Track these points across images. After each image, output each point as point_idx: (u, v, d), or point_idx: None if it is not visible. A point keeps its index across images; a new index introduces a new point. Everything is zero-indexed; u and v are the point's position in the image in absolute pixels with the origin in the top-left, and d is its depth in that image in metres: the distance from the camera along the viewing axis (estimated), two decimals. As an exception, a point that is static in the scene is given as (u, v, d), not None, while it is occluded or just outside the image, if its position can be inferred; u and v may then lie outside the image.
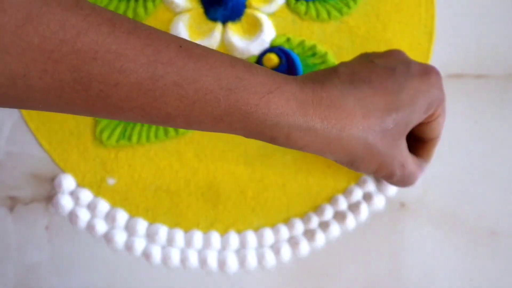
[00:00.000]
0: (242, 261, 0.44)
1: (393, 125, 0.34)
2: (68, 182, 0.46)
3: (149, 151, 0.47)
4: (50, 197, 0.46)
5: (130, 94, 0.27)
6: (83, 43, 0.26)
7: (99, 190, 0.46)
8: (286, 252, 0.44)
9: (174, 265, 0.44)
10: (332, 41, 0.48)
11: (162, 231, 0.45)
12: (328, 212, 0.45)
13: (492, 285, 0.42)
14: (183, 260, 0.44)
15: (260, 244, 0.45)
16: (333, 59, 0.48)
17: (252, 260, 0.44)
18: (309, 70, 0.47)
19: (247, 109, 0.30)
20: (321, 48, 0.48)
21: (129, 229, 0.45)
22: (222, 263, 0.44)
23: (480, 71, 0.47)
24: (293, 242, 0.44)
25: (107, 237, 0.45)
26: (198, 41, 0.48)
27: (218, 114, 0.30)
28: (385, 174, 0.37)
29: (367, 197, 0.45)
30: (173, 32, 0.48)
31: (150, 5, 0.48)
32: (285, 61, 0.47)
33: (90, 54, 0.26)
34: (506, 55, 0.47)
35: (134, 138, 0.47)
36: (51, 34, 0.24)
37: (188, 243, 0.45)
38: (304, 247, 0.44)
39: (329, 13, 0.49)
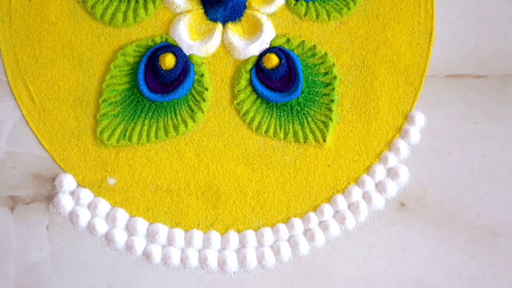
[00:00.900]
0: (242, 260, 0.44)
1: None
2: (68, 182, 0.46)
3: (150, 151, 0.47)
4: (50, 197, 0.46)
5: None
6: None
7: (99, 190, 0.46)
8: (286, 251, 0.44)
9: (174, 264, 0.44)
10: (332, 42, 0.49)
11: (162, 230, 0.45)
12: (328, 212, 0.45)
13: (490, 285, 0.42)
14: (183, 259, 0.44)
15: (260, 244, 0.45)
16: (333, 60, 0.48)
17: (252, 259, 0.44)
18: (309, 70, 0.48)
19: None
20: (320, 48, 0.48)
21: (130, 228, 0.45)
22: (222, 263, 0.44)
23: (479, 72, 0.47)
24: (293, 241, 0.44)
25: (108, 237, 0.45)
26: (198, 42, 0.48)
27: None
28: None
29: (367, 197, 0.45)
30: (174, 32, 0.48)
31: (150, 5, 0.49)
32: (285, 62, 0.47)
33: None
34: (504, 56, 0.47)
35: (135, 138, 0.47)
36: None
37: (188, 242, 0.45)
38: (304, 246, 0.44)
39: (328, 14, 0.49)
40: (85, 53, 0.48)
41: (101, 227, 0.45)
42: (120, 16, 0.48)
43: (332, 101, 0.47)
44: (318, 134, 0.46)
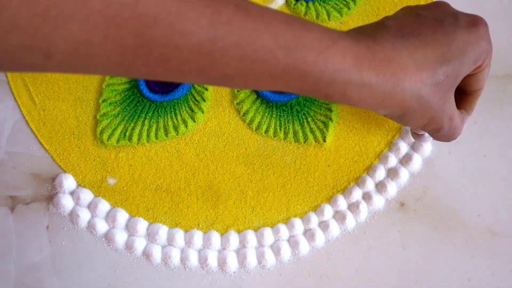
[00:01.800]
0: (242, 260, 0.44)
1: (444, 78, 0.32)
2: (68, 182, 0.46)
3: (150, 151, 0.47)
4: (50, 197, 0.46)
5: (190, 56, 0.27)
6: (144, 6, 0.25)
7: (99, 190, 0.46)
8: (286, 252, 0.44)
9: (174, 264, 0.44)
10: (332, 42, 0.48)
11: (162, 230, 0.45)
12: (328, 212, 0.45)
13: (490, 285, 0.42)
14: (183, 259, 0.44)
15: (260, 244, 0.45)
16: (333, 60, 0.48)
17: (252, 260, 0.44)
18: (309, 70, 0.48)
19: (305, 67, 0.29)
20: (321, 48, 0.48)
21: (130, 228, 0.45)
22: (222, 263, 0.44)
23: (480, 71, 0.47)
24: (293, 241, 0.44)
25: (108, 237, 0.45)
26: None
27: (276, 73, 0.29)
28: (434, 128, 0.36)
29: (367, 197, 0.45)
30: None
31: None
32: (285, 62, 0.47)
33: (151, 18, 0.25)
34: (504, 56, 0.47)
35: (135, 138, 0.47)
36: None
37: (188, 242, 0.45)
38: (304, 247, 0.44)
39: (328, 14, 0.49)
40: (85, 53, 0.48)
41: (101, 227, 0.45)
42: (120, 16, 0.48)
43: (332, 101, 0.47)
44: (318, 134, 0.46)
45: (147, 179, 0.46)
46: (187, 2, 0.26)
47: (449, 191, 0.45)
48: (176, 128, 0.47)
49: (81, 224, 0.45)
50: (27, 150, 0.47)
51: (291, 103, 0.47)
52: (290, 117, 0.47)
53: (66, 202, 0.46)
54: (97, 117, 0.47)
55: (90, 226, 0.45)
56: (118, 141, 0.47)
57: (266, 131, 0.47)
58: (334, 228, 0.44)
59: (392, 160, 0.46)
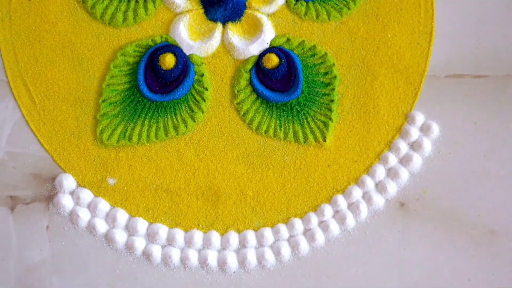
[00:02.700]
0: (242, 260, 0.44)
1: None
2: (68, 182, 0.46)
3: (150, 151, 0.47)
4: (50, 197, 0.46)
5: None
6: None
7: (99, 190, 0.46)
8: (286, 252, 0.44)
9: (174, 264, 0.44)
10: (332, 42, 0.49)
11: (162, 230, 0.45)
12: (328, 212, 0.45)
13: (490, 285, 0.42)
14: (183, 259, 0.44)
15: (260, 244, 0.45)
16: (333, 60, 0.48)
17: (252, 259, 0.44)
18: (309, 70, 0.48)
19: None
20: (320, 48, 0.48)
21: (129, 228, 0.45)
22: (222, 263, 0.44)
23: (479, 72, 0.47)
24: (293, 242, 0.44)
25: (108, 237, 0.45)
26: (198, 42, 0.48)
27: None
28: None
29: (367, 197, 0.45)
30: (174, 32, 0.48)
31: (150, 5, 0.49)
32: (285, 61, 0.47)
33: None
34: (505, 56, 0.47)
35: (135, 138, 0.47)
36: None
37: (188, 242, 0.45)
38: (304, 247, 0.44)
39: (328, 14, 0.49)
40: (85, 53, 0.48)
41: (101, 227, 0.45)
42: (120, 16, 0.48)
43: (332, 101, 0.47)
44: (318, 134, 0.46)
45: (147, 179, 0.46)
46: None
47: (449, 191, 0.45)
48: (176, 128, 0.47)
49: (81, 224, 0.45)
50: (27, 150, 0.47)
51: (291, 103, 0.47)
52: (290, 117, 0.47)
53: (66, 202, 0.46)
54: (97, 117, 0.47)
55: (90, 226, 0.45)
56: (118, 141, 0.47)
57: (266, 131, 0.47)
58: (334, 228, 0.44)
59: (392, 160, 0.46)
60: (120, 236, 0.45)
